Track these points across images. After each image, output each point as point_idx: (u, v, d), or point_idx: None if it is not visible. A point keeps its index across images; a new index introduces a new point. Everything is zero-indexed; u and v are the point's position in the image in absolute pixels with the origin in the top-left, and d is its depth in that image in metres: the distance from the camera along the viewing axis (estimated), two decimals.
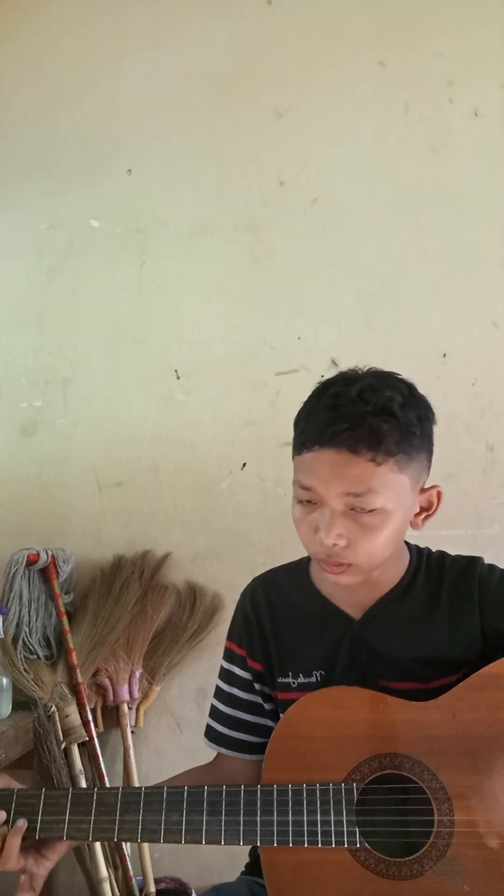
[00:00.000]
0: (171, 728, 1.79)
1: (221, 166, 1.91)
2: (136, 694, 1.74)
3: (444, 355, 1.78)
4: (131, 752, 1.71)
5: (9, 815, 0.89)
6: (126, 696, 1.73)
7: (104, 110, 1.97)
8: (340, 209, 1.86)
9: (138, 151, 1.94)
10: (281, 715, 1.02)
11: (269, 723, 1.06)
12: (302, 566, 1.09)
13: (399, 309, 1.82)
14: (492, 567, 1.03)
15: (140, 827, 0.88)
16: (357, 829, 0.86)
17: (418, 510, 0.98)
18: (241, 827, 0.87)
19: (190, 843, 0.88)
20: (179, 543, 1.83)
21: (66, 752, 1.64)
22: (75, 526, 1.87)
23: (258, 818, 0.87)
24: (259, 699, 1.06)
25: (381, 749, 0.90)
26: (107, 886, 1.59)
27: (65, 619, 1.71)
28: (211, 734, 1.09)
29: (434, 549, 1.07)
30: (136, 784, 1.69)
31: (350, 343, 1.81)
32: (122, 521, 1.86)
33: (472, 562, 1.03)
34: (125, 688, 1.73)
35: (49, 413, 1.91)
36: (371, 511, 0.89)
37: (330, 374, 1.79)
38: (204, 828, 0.87)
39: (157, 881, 1.68)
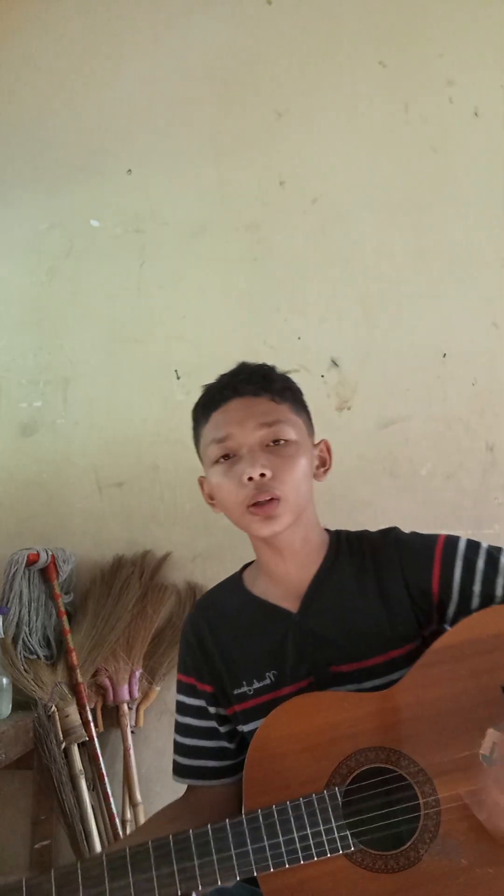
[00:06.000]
0: (171, 728, 1.77)
1: (221, 166, 1.91)
2: (136, 694, 1.74)
3: (444, 355, 1.78)
4: (131, 752, 1.71)
5: None
6: (126, 696, 1.73)
7: (104, 110, 1.97)
8: (340, 209, 1.86)
9: (138, 151, 1.94)
10: (242, 729, 1.03)
11: (226, 744, 1.06)
12: (235, 578, 1.12)
13: (399, 309, 1.82)
14: (410, 533, 1.05)
15: (133, 891, 0.84)
16: (348, 833, 0.86)
17: (317, 462, 1.06)
18: (235, 861, 0.85)
19: (187, 891, 0.85)
20: (179, 543, 1.83)
21: (66, 752, 1.64)
22: (75, 526, 1.87)
23: (249, 847, 0.85)
24: (214, 723, 1.07)
25: (354, 747, 0.90)
26: None
27: (65, 619, 1.71)
28: (176, 768, 1.09)
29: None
30: (136, 784, 1.69)
31: (350, 343, 1.81)
32: (122, 521, 1.86)
33: (389, 530, 1.06)
34: (125, 688, 1.73)
35: (49, 413, 1.91)
36: (285, 442, 0.99)
37: (330, 374, 1.81)
38: (198, 872, 0.85)
39: None
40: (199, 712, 1.07)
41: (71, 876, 0.84)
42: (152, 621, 1.76)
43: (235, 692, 1.04)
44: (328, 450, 1.09)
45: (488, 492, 1.74)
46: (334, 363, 1.81)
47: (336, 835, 0.86)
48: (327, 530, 1.09)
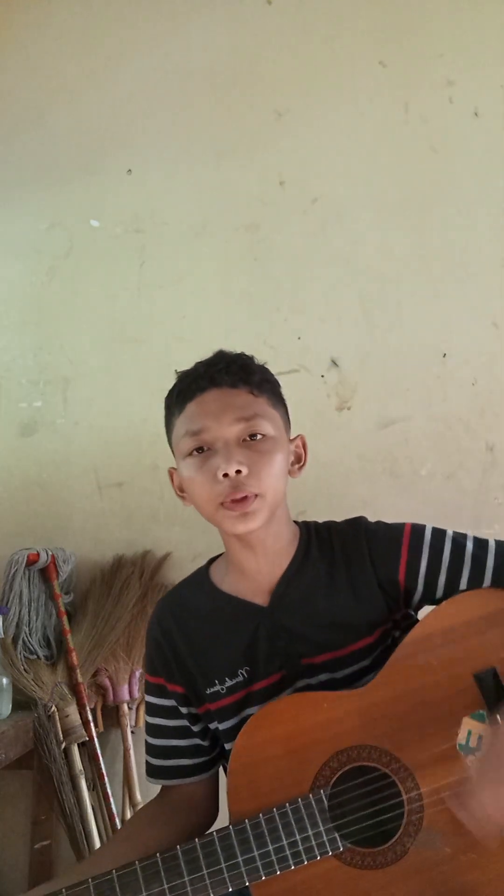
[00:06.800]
0: None
1: (221, 166, 1.91)
2: (136, 694, 1.74)
3: (444, 355, 1.78)
4: (131, 752, 1.71)
5: None
6: (126, 696, 1.73)
7: (104, 110, 1.97)
8: (340, 209, 1.86)
9: (138, 151, 1.94)
10: (217, 727, 1.02)
11: (199, 741, 1.05)
12: (201, 573, 1.11)
13: (399, 309, 1.82)
14: (376, 522, 1.04)
15: None
16: (336, 835, 0.86)
17: (293, 458, 1.04)
18: (226, 873, 0.84)
19: None
20: (179, 543, 1.83)
21: (66, 752, 1.64)
22: (75, 526, 1.86)
23: (239, 858, 0.85)
24: (185, 722, 1.05)
25: (336, 747, 0.90)
26: None
27: (65, 619, 1.71)
28: (149, 770, 1.08)
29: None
30: (136, 784, 1.69)
31: (350, 343, 1.81)
32: (122, 521, 1.86)
33: (356, 520, 1.05)
34: (125, 688, 1.73)
35: (49, 413, 1.91)
36: (262, 437, 0.96)
37: (330, 374, 1.81)
38: (189, 888, 0.84)
39: None
40: (169, 712, 1.06)
41: None
42: None
43: (208, 691, 1.02)
44: (304, 445, 1.07)
45: (488, 492, 1.74)
46: (334, 363, 1.81)
47: (325, 838, 0.86)
48: (296, 522, 1.07)
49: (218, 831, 0.87)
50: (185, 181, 1.92)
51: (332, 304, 1.84)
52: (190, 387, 1.01)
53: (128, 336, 1.91)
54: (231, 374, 0.99)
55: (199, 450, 0.97)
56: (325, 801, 0.87)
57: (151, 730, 1.08)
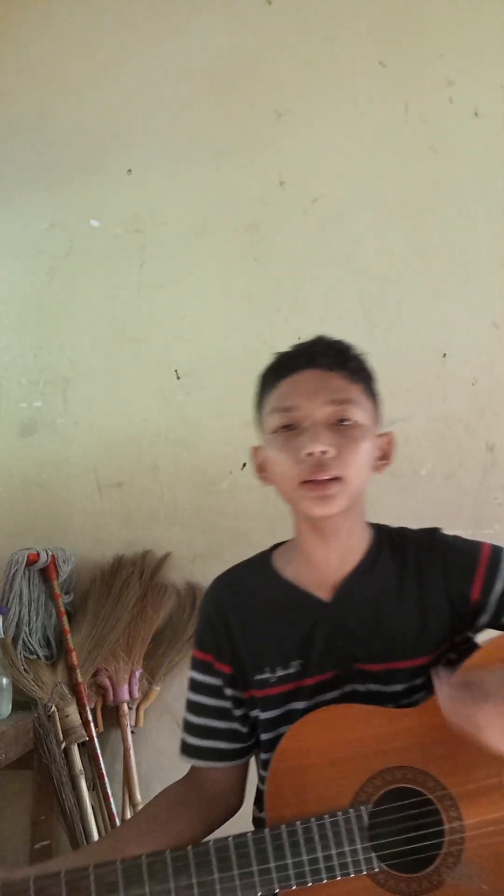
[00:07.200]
0: (171, 728, 1.79)
1: (221, 166, 1.91)
2: (136, 694, 1.74)
3: (444, 355, 1.78)
4: (131, 752, 1.71)
5: None
6: (126, 696, 1.73)
7: (104, 110, 1.97)
8: (340, 209, 1.86)
9: (138, 151, 1.94)
10: (258, 716, 1.00)
11: (238, 727, 1.03)
12: (263, 558, 1.07)
13: (399, 309, 1.82)
14: (454, 536, 1.03)
15: None
16: (373, 855, 0.84)
17: (379, 454, 1.01)
18: (257, 877, 0.83)
19: None
20: (179, 543, 1.83)
21: (66, 752, 1.64)
22: (75, 526, 1.86)
23: (272, 864, 0.83)
24: (228, 704, 1.03)
25: (381, 765, 0.89)
26: None
27: (65, 619, 1.71)
28: (184, 748, 1.06)
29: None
30: (136, 784, 1.69)
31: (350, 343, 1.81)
32: (122, 521, 1.86)
33: (433, 530, 1.03)
34: (125, 688, 1.73)
35: (49, 413, 1.91)
36: (352, 423, 0.94)
37: None
38: (218, 886, 0.82)
39: None
40: (213, 691, 1.03)
41: (83, 881, 0.82)
42: (152, 621, 1.76)
43: (256, 677, 1.00)
44: (392, 443, 1.04)
45: (488, 492, 1.74)
46: None
47: (361, 856, 0.84)
48: (369, 523, 1.05)
49: (253, 833, 0.85)
50: (185, 181, 1.92)
51: (332, 304, 1.84)
52: (286, 364, 0.99)
53: (128, 336, 1.91)
54: (330, 356, 0.98)
55: (287, 427, 0.95)
56: (366, 819, 0.86)
57: (192, 707, 1.05)
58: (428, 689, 0.94)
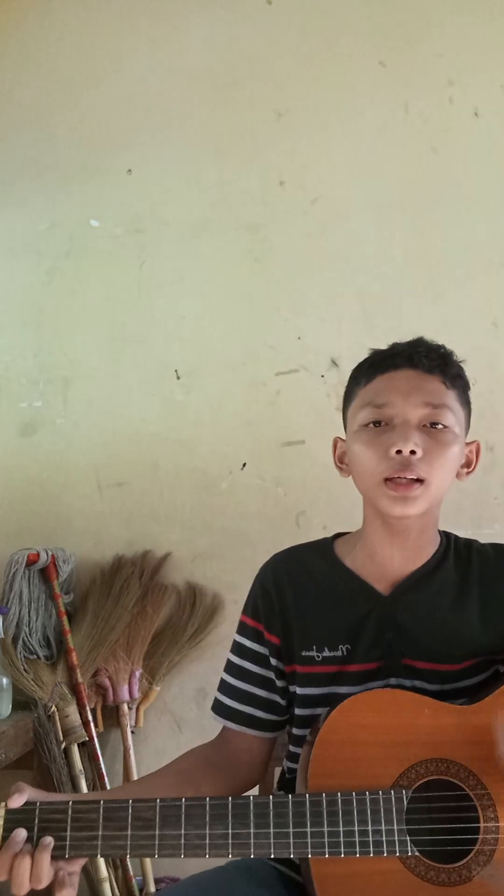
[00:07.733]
0: (171, 728, 1.79)
1: (221, 166, 1.91)
2: (136, 694, 1.74)
3: None
4: (131, 752, 1.71)
5: (32, 831, 0.84)
6: (126, 696, 1.73)
7: (104, 110, 1.97)
8: (340, 209, 1.86)
9: (138, 151, 1.94)
10: (296, 691, 1.02)
11: (278, 699, 1.05)
12: (326, 543, 1.09)
13: (399, 309, 1.82)
14: None
15: (183, 842, 0.84)
16: (408, 838, 0.85)
17: (463, 462, 1.02)
18: (291, 839, 0.84)
19: (238, 856, 0.84)
20: (179, 543, 1.83)
21: (66, 752, 1.64)
22: (75, 526, 1.86)
23: (308, 829, 0.85)
24: (272, 675, 1.05)
25: (426, 754, 0.90)
26: (107, 886, 1.59)
27: (65, 619, 1.71)
28: (219, 708, 1.07)
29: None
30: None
31: (350, 343, 1.81)
32: (122, 521, 1.86)
33: (501, 546, 1.05)
34: (125, 688, 1.73)
35: (49, 413, 1.91)
36: (443, 428, 0.95)
37: (330, 374, 1.81)
38: (252, 840, 0.84)
39: (157, 881, 1.69)
40: (259, 659, 1.05)
41: (121, 812, 0.84)
42: (152, 621, 1.76)
43: (303, 653, 1.01)
44: (478, 452, 1.05)
45: (488, 492, 1.75)
46: (334, 363, 1.81)
47: (396, 837, 0.85)
48: (440, 530, 1.06)
49: (293, 796, 0.87)
50: (185, 181, 1.92)
51: (332, 304, 1.84)
52: (384, 361, 1.00)
53: (128, 336, 1.91)
54: (430, 359, 0.98)
55: (377, 423, 0.96)
56: (405, 802, 0.87)
57: (235, 670, 1.07)
58: (470, 696, 0.96)
